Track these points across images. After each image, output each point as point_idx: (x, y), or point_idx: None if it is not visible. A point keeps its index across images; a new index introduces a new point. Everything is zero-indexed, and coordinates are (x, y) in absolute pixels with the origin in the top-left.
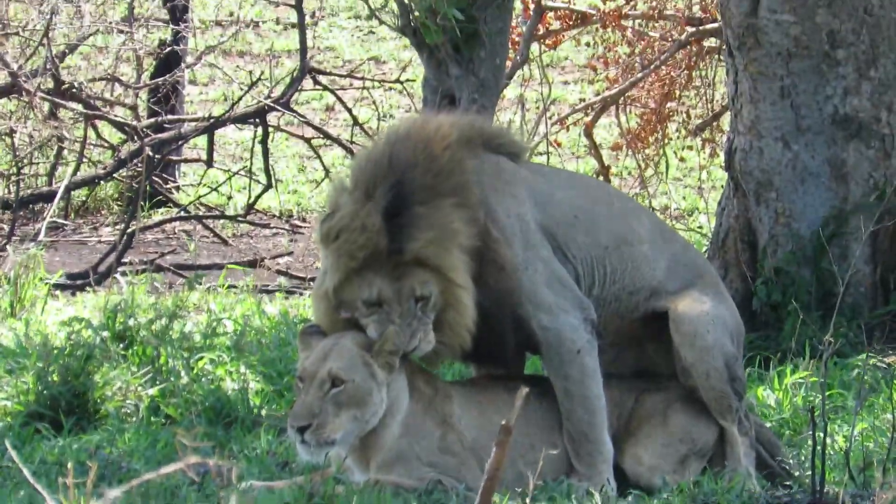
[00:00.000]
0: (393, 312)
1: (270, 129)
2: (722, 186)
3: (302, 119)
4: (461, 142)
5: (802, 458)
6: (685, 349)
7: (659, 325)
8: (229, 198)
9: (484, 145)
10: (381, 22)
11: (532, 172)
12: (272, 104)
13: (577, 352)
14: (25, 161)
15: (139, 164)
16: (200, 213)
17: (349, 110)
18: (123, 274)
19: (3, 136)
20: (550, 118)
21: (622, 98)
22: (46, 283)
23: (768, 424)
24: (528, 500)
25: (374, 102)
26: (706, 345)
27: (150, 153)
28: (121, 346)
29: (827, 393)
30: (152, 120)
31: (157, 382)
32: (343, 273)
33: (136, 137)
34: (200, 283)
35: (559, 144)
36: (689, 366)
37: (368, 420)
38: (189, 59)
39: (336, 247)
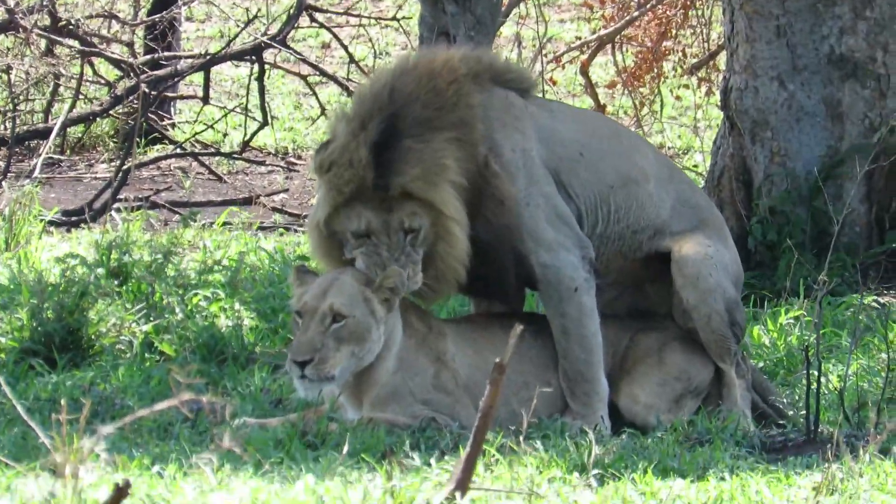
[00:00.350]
0: (381, 244)
1: (267, 67)
2: (717, 125)
3: (298, 56)
4: (469, 76)
5: (797, 398)
6: (687, 291)
7: (660, 265)
8: (225, 135)
9: (493, 80)
10: None
11: (539, 108)
12: (269, 41)
13: (575, 290)
14: (22, 97)
15: (135, 101)
16: (196, 150)
17: (345, 48)
18: (119, 211)
19: (1, 73)
20: (546, 56)
21: (618, 36)
22: (42, 220)
23: (762, 364)
24: (521, 439)
25: (370, 40)
26: (708, 287)
27: (147, 90)
28: (115, 282)
29: (822, 332)
30: (149, 57)
31: (152, 319)
32: (332, 205)
33: (132, 74)
34: (195, 221)
35: (555, 83)
36: (691, 308)
37: (365, 357)
38: None
39: (327, 179)
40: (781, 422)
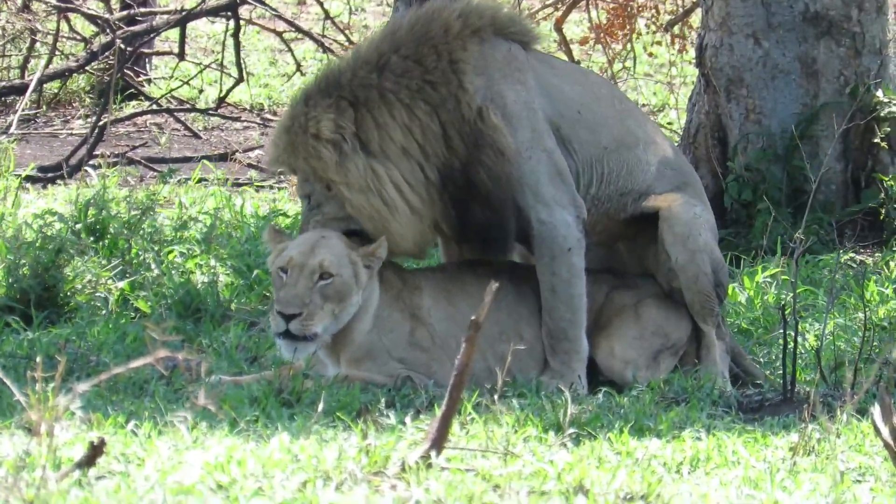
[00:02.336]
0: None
1: (242, 23)
2: (692, 83)
3: (274, 12)
4: (467, 29)
5: (773, 357)
6: (676, 249)
7: (636, 225)
8: (200, 91)
9: (495, 32)
10: None
11: (541, 62)
12: None
13: (568, 250)
14: None
15: (111, 57)
16: (172, 107)
17: (321, 3)
18: (95, 167)
19: None
20: (521, 13)
21: None
22: (18, 176)
23: (739, 322)
24: (497, 397)
25: None
26: (698, 247)
27: (122, 46)
28: (91, 239)
29: (798, 291)
30: (124, 13)
31: (128, 276)
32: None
33: (108, 30)
34: (173, 177)
35: None
36: (679, 267)
37: (342, 317)
38: None
39: None
40: (756, 384)
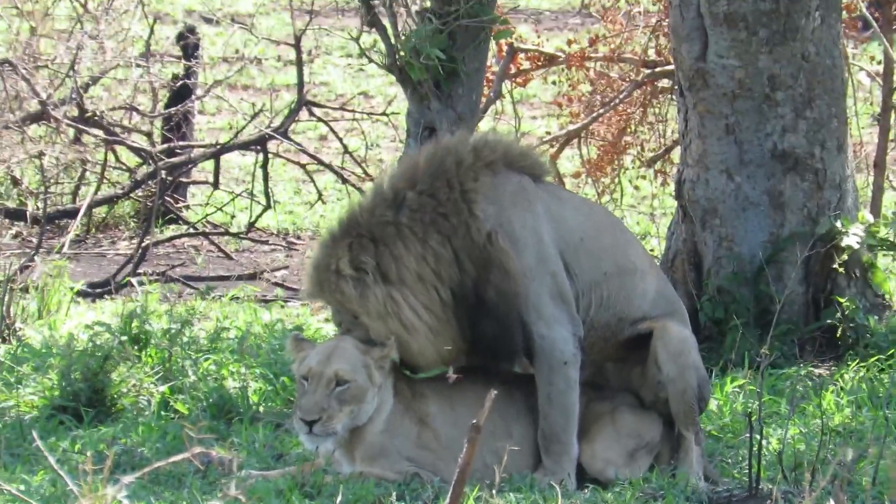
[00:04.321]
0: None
1: (270, 156)
2: (672, 213)
3: (298, 147)
4: (479, 161)
5: (740, 458)
6: (669, 364)
7: (627, 348)
8: (233, 216)
9: (506, 165)
10: (371, 60)
11: (549, 193)
12: (272, 133)
13: (565, 363)
14: (52, 181)
15: (153, 185)
16: (207, 230)
17: (340, 140)
18: (139, 283)
19: (33, 159)
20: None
21: (584, 132)
22: (70, 291)
23: (710, 427)
24: (494, 492)
25: (362, 132)
26: (688, 363)
27: (163, 175)
28: (136, 347)
29: (763, 400)
30: (165, 145)
31: (168, 381)
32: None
33: (150, 161)
34: (210, 295)
35: None
36: (669, 379)
37: (361, 416)
38: (199, 92)
39: None
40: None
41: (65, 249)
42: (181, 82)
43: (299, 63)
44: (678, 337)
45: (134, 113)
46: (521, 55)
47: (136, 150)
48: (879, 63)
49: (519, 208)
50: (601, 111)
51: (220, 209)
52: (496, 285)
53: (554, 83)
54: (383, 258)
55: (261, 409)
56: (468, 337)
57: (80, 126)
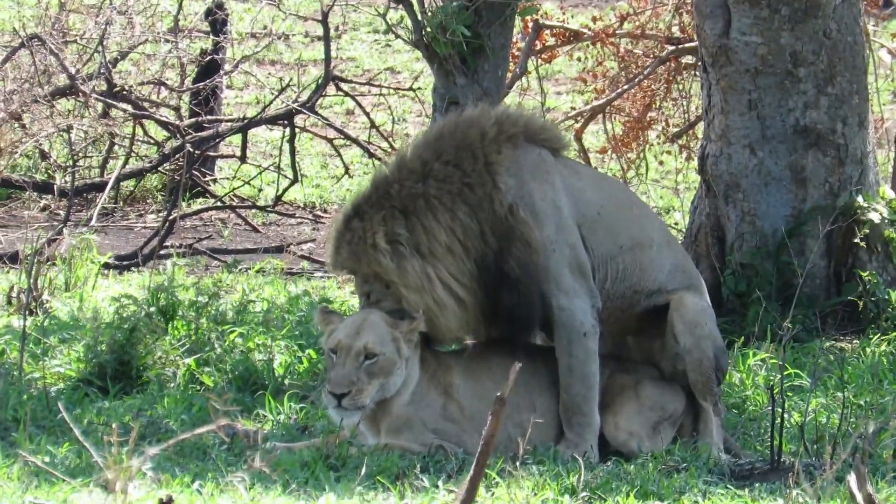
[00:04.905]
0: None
1: (297, 130)
2: (695, 188)
3: (325, 121)
4: (502, 135)
5: (762, 431)
6: (685, 335)
7: (647, 320)
8: (260, 190)
9: (526, 139)
10: (397, 36)
11: (567, 168)
12: (299, 108)
13: (584, 334)
14: (81, 154)
15: (181, 159)
16: (234, 204)
17: (367, 114)
18: (166, 256)
19: (62, 132)
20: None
21: (608, 107)
22: (97, 263)
23: (733, 400)
24: (518, 464)
25: (389, 107)
26: (703, 334)
27: (191, 149)
28: (162, 320)
29: (785, 373)
30: (193, 120)
31: (194, 353)
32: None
33: (178, 135)
34: (237, 268)
35: None
36: (685, 350)
37: (389, 388)
38: (227, 67)
39: None
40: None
41: (92, 222)
42: (209, 57)
43: (326, 38)
44: (694, 308)
45: (162, 88)
46: (547, 31)
47: (164, 125)
48: None
49: (539, 181)
50: (626, 87)
51: (248, 183)
52: (518, 257)
53: (579, 59)
54: (415, 230)
55: (286, 381)
56: (488, 309)
57: (109, 100)
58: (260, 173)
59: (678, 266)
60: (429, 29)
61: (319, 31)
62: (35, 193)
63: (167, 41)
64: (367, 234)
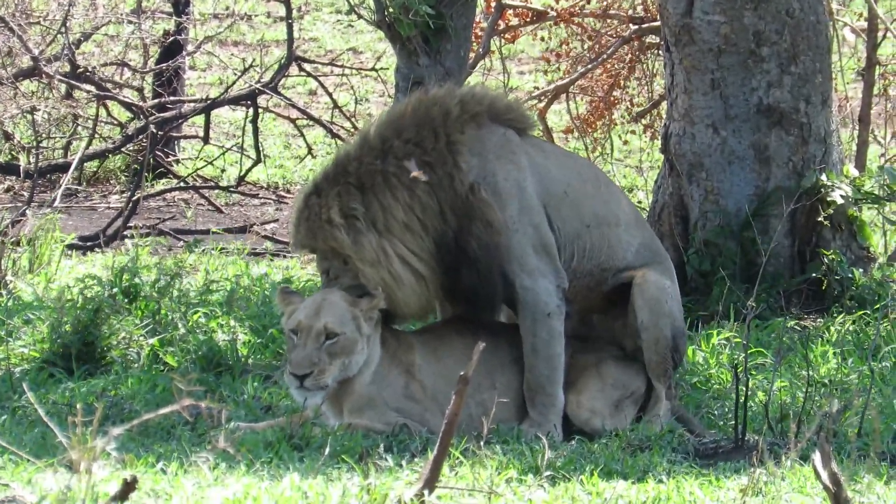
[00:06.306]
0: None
1: (260, 111)
2: (659, 167)
3: (288, 102)
4: (466, 114)
5: (726, 410)
6: (644, 311)
7: (612, 298)
8: (223, 171)
9: (491, 118)
10: (360, 16)
11: (533, 147)
12: (262, 88)
13: (548, 315)
14: (44, 135)
15: (144, 140)
16: (197, 184)
17: (330, 94)
18: (129, 237)
19: (25, 114)
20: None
21: (572, 87)
22: (61, 244)
23: (696, 379)
24: (482, 443)
25: (351, 88)
26: (663, 311)
27: (154, 130)
28: (126, 300)
29: (749, 352)
30: (156, 101)
31: (158, 333)
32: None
33: (141, 116)
34: (198, 247)
35: None
36: (643, 327)
37: (351, 367)
38: (189, 48)
39: None
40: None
41: (56, 203)
42: (172, 38)
43: (289, 19)
44: (656, 285)
45: (125, 69)
46: (510, 11)
47: (128, 106)
48: (863, 18)
49: (503, 161)
50: (589, 66)
51: (211, 163)
52: (478, 237)
53: (542, 39)
54: (371, 206)
55: (250, 361)
56: (448, 287)
57: (72, 82)
58: (223, 154)
59: (646, 245)
60: (391, 9)
61: (282, 12)
62: None
63: (130, 22)
64: (323, 209)
